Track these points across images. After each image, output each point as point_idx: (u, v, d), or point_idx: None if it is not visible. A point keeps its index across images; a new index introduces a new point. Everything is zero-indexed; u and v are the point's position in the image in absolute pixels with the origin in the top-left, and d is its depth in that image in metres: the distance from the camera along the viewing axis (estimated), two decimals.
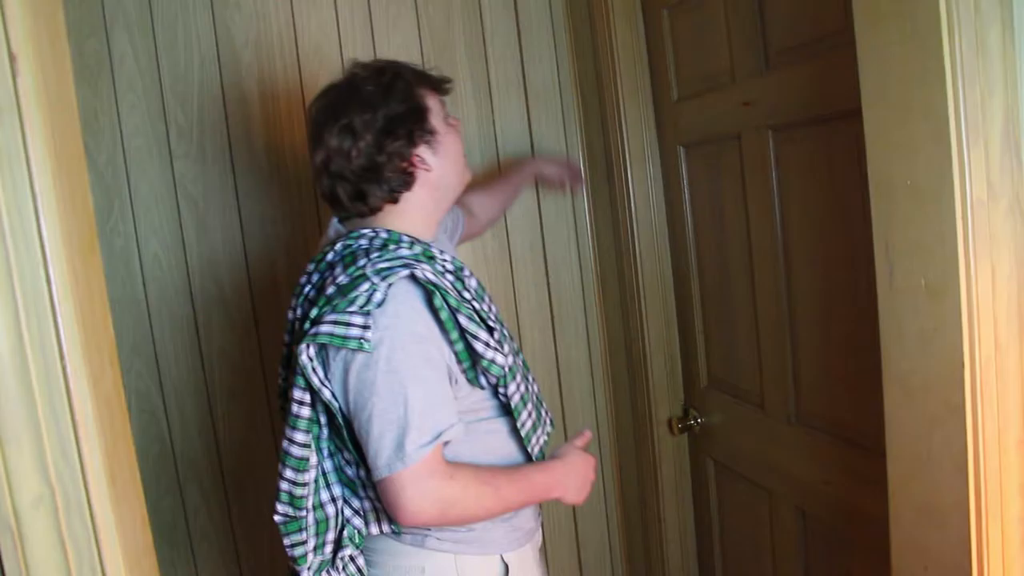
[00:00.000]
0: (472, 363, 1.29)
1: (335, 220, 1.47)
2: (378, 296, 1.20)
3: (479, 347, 1.26)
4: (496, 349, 1.28)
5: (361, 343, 1.17)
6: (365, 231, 1.34)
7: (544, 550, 1.62)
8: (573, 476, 1.42)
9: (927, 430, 1.04)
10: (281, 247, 2.11)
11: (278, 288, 2.11)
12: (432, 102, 1.39)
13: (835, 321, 1.47)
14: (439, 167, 1.38)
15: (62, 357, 0.71)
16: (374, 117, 1.31)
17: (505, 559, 1.41)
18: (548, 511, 2.29)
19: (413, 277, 1.23)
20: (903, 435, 1.09)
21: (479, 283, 1.39)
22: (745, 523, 1.91)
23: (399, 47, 2.13)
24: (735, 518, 1.98)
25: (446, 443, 1.26)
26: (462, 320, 1.25)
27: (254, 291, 2.10)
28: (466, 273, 1.35)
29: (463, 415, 1.31)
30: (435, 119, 1.38)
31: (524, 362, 1.49)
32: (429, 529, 1.34)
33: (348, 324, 1.18)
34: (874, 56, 1.04)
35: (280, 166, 2.09)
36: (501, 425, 1.40)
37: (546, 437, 1.48)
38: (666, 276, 2.08)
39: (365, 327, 1.18)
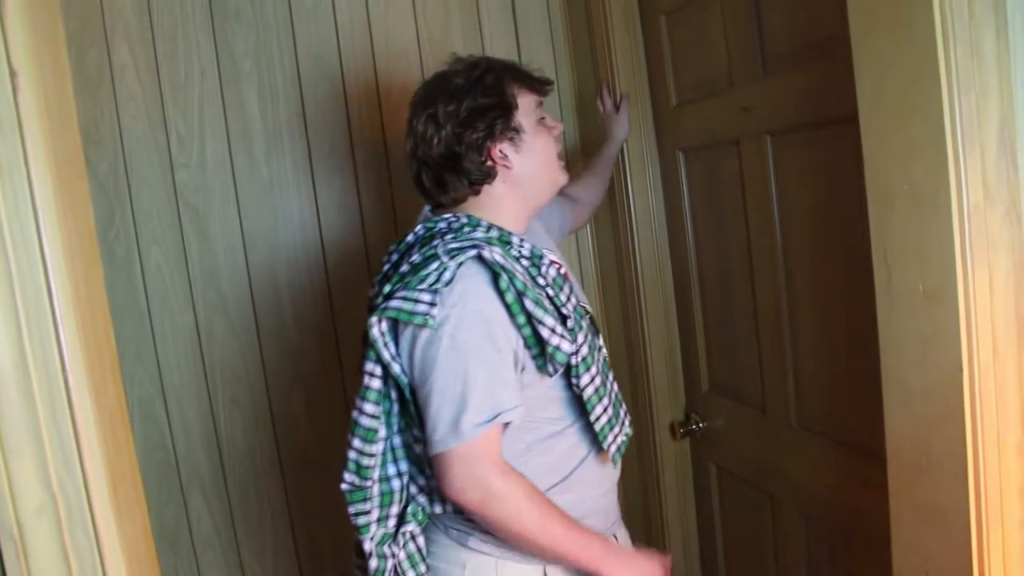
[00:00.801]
0: (540, 349, 1.29)
1: (427, 208, 1.49)
2: (447, 275, 1.22)
3: (544, 332, 1.25)
4: (562, 336, 1.27)
5: (426, 319, 1.20)
6: (447, 216, 1.37)
7: None
8: (628, 569, 1.34)
9: (926, 434, 1.05)
10: (282, 256, 2.12)
11: (279, 297, 2.12)
12: (524, 100, 1.40)
13: (835, 325, 1.48)
14: (520, 165, 1.39)
15: (64, 367, 0.71)
16: (458, 109, 1.35)
17: (548, 572, 1.37)
18: None
19: (480, 258, 1.25)
20: (903, 439, 1.10)
21: (559, 273, 1.37)
22: (748, 527, 1.91)
23: (398, 55, 2.14)
24: (738, 522, 1.98)
25: (506, 425, 1.26)
26: (528, 304, 1.25)
27: (255, 300, 2.11)
28: (545, 261, 1.34)
29: (531, 406, 1.31)
30: (523, 117, 1.39)
31: (605, 359, 1.47)
32: (473, 529, 1.34)
33: (416, 300, 1.21)
34: (870, 62, 1.04)
35: (281, 175, 2.10)
36: (572, 420, 1.38)
37: (624, 438, 1.44)
38: (666, 281, 2.08)
39: (432, 304, 1.20)
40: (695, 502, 2.15)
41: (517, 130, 1.38)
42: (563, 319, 1.30)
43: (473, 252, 1.24)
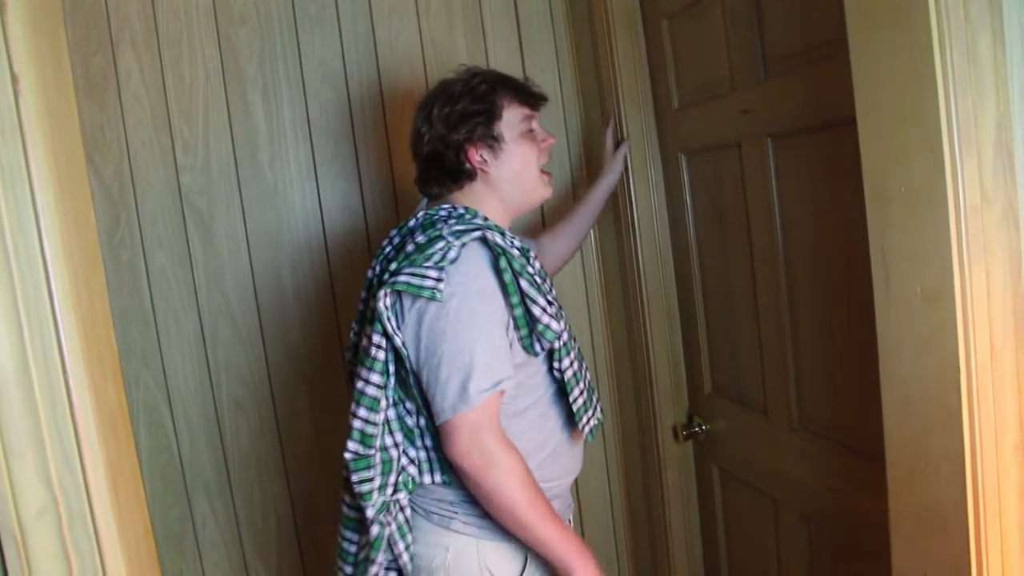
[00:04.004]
0: (529, 329, 1.39)
1: (424, 200, 1.61)
2: (452, 254, 1.33)
3: (536, 311, 1.36)
4: (552, 316, 1.38)
5: (434, 292, 1.30)
6: (446, 205, 1.49)
7: None
8: (591, 573, 1.36)
9: (925, 435, 1.05)
10: (286, 259, 2.13)
11: (284, 299, 2.13)
12: (511, 111, 1.51)
13: (836, 327, 1.48)
14: (497, 170, 1.50)
15: (64, 371, 0.72)
16: (451, 111, 1.48)
17: (530, 556, 1.45)
18: None
19: (484, 239, 1.36)
20: (902, 441, 1.10)
21: (543, 267, 1.51)
22: (750, 529, 1.91)
23: (402, 60, 2.15)
24: (740, 524, 1.98)
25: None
26: (523, 283, 1.35)
27: (260, 302, 2.12)
28: (532, 254, 1.45)
29: (520, 387, 1.42)
30: (506, 127, 1.50)
31: (580, 351, 1.56)
32: (456, 512, 1.43)
33: (423, 276, 1.31)
34: (867, 65, 1.05)
35: (285, 178, 2.11)
36: (552, 402, 1.49)
37: (596, 421, 1.54)
38: (669, 284, 2.08)
39: (439, 280, 1.31)
40: (698, 504, 2.15)
41: (497, 138, 1.49)
42: (549, 303, 1.40)
43: (477, 234, 1.36)
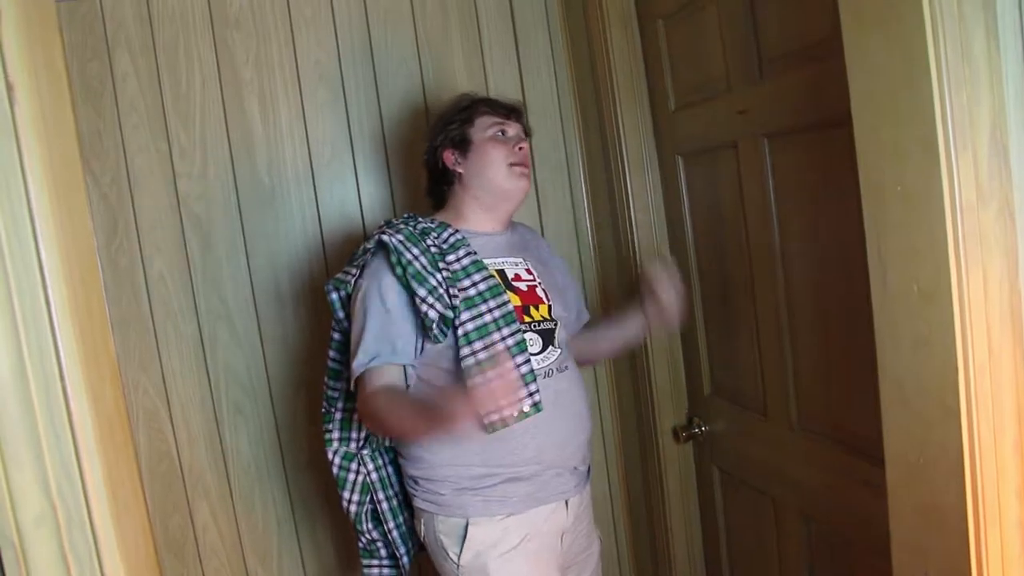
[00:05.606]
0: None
1: None
2: (367, 256, 1.60)
3: (416, 300, 1.51)
4: (431, 306, 1.50)
5: (347, 286, 1.62)
6: (405, 214, 1.70)
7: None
8: (450, 423, 1.37)
9: (923, 434, 1.05)
10: (283, 263, 2.13)
11: (282, 303, 2.13)
12: (481, 119, 1.68)
13: (833, 326, 1.48)
14: (467, 169, 1.67)
15: (62, 377, 0.72)
16: (436, 124, 1.74)
17: (471, 523, 1.58)
18: None
19: (380, 241, 1.57)
20: (900, 439, 1.10)
21: (475, 263, 1.59)
22: (751, 529, 1.91)
23: (397, 62, 2.15)
24: (741, 525, 1.98)
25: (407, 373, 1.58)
26: (409, 274, 1.52)
27: (258, 307, 2.11)
28: (459, 253, 1.59)
29: (450, 374, 1.56)
30: (477, 132, 1.67)
31: (521, 341, 1.55)
32: (417, 488, 1.65)
33: (347, 273, 1.64)
34: (862, 63, 1.05)
35: (282, 183, 2.11)
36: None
37: (514, 412, 1.46)
38: None
39: (354, 276, 1.61)
40: (698, 505, 2.15)
41: (467, 140, 1.67)
42: (439, 293, 1.51)
43: (377, 237, 1.58)
